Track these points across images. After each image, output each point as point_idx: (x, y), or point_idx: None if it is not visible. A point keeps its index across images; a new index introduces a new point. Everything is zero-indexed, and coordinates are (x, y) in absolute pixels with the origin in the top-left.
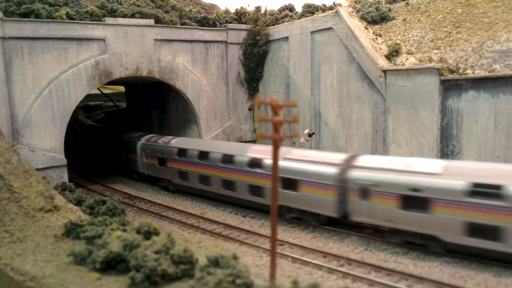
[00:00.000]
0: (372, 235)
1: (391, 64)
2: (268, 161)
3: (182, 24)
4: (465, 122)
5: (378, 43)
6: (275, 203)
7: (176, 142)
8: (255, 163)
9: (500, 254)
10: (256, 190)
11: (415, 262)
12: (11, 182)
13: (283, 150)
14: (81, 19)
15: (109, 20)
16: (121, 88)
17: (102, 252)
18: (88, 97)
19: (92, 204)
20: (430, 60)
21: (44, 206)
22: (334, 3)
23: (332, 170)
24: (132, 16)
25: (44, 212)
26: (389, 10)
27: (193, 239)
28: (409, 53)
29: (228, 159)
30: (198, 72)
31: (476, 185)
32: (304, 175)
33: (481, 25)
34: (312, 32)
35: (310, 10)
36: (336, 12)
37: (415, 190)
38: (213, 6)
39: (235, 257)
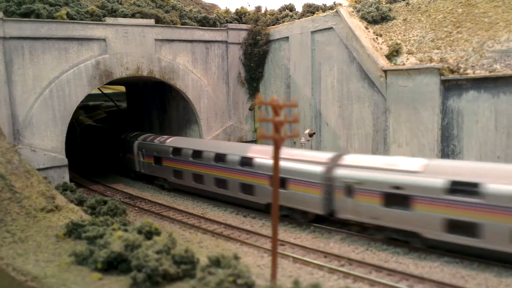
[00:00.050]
0: (358, 232)
1: (392, 64)
2: (258, 159)
3: (183, 24)
4: (465, 122)
5: (378, 43)
6: (276, 203)
7: (171, 141)
8: (245, 161)
9: (479, 250)
10: (247, 188)
11: (416, 262)
12: (12, 182)
13: (272, 149)
14: (81, 19)
15: (109, 20)
16: (122, 88)
17: (104, 252)
18: (89, 97)
19: (93, 204)
20: (431, 60)
21: (45, 206)
22: (334, 3)
23: (318, 169)
24: (133, 16)
25: (46, 212)
26: (390, 10)
27: (194, 239)
28: (410, 53)
29: (220, 158)
30: (198, 72)
31: (455, 182)
32: (292, 173)
33: (481, 25)
34: (312, 32)
35: (310, 10)
36: (337, 12)
37: (397, 187)
38: (213, 6)
39: (236, 257)
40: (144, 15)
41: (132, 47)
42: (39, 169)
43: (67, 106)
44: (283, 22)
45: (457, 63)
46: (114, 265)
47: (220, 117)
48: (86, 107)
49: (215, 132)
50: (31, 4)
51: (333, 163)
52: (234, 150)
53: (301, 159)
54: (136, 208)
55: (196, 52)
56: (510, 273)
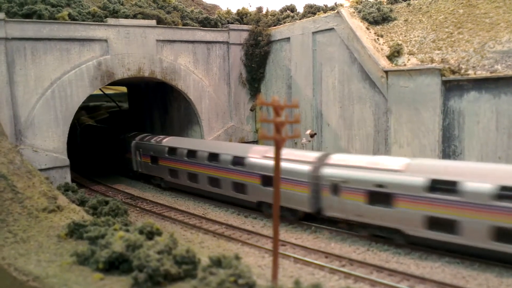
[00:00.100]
0: (344, 229)
1: (393, 65)
2: (250, 159)
3: (184, 24)
4: (466, 122)
5: (379, 44)
6: (277, 203)
7: (167, 141)
8: (237, 161)
9: (458, 246)
10: (239, 187)
11: (417, 262)
12: (14, 183)
13: (263, 149)
14: (83, 20)
15: (111, 21)
16: (123, 89)
17: (105, 252)
18: (90, 97)
19: (95, 205)
20: (432, 61)
21: (47, 207)
22: (335, 3)
23: (306, 168)
24: (134, 16)
25: (47, 212)
26: (391, 10)
27: (196, 239)
28: (411, 53)
29: (213, 157)
30: (200, 72)
31: (434, 181)
32: (281, 172)
33: (482, 25)
34: (313, 33)
35: (311, 10)
36: (338, 12)
37: (380, 186)
38: (214, 7)
39: (237, 257)
40: (145, 16)
41: (133, 48)
42: (41, 170)
43: (68, 106)
44: (284, 23)
45: (458, 63)
46: (116, 265)
47: (222, 117)
48: (86, 108)
49: (216, 133)
50: (33, 5)
51: (320, 162)
52: (227, 150)
53: (290, 159)
54: (138, 209)
55: (198, 53)
56: (511, 273)
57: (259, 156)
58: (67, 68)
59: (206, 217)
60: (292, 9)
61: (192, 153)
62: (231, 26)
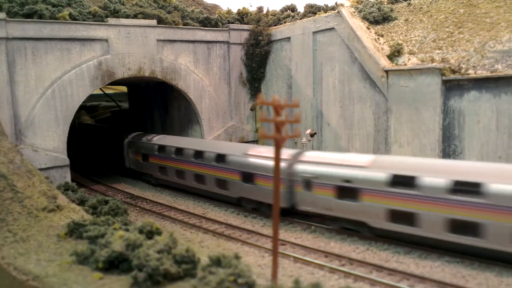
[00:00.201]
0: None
1: (393, 64)
2: (231, 156)
3: (185, 24)
4: (467, 122)
5: (380, 43)
6: (277, 202)
7: (157, 139)
8: (220, 158)
9: (418, 238)
10: (221, 183)
11: (416, 261)
12: (14, 182)
13: (244, 146)
14: (84, 20)
15: (111, 20)
16: (123, 88)
17: (105, 251)
18: (91, 97)
19: (94, 204)
20: (432, 60)
21: (47, 206)
22: (336, 3)
23: (281, 165)
24: (135, 16)
25: (47, 211)
26: (391, 10)
27: (195, 238)
28: (411, 53)
29: (198, 155)
30: (200, 72)
31: (395, 176)
32: (259, 169)
33: (483, 25)
34: (314, 33)
35: (312, 10)
36: (338, 12)
37: (347, 181)
38: (215, 7)
39: (237, 257)
40: (146, 16)
41: (134, 48)
42: (40, 169)
43: (69, 106)
44: (285, 22)
45: (459, 63)
46: (115, 264)
47: (222, 117)
48: (87, 108)
49: (216, 132)
50: (34, 5)
51: (295, 159)
52: (211, 148)
53: (268, 156)
54: (137, 208)
55: (198, 53)
56: (510, 273)
57: (240, 153)
58: (68, 67)
59: (206, 217)
60: (292, 9)
61: (179, 151)
62: (232, 25)
